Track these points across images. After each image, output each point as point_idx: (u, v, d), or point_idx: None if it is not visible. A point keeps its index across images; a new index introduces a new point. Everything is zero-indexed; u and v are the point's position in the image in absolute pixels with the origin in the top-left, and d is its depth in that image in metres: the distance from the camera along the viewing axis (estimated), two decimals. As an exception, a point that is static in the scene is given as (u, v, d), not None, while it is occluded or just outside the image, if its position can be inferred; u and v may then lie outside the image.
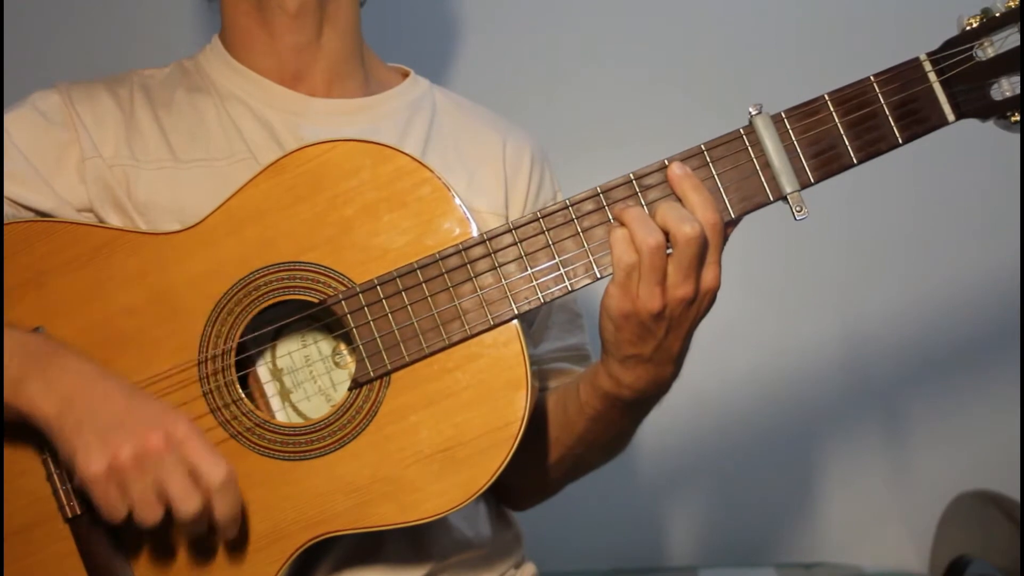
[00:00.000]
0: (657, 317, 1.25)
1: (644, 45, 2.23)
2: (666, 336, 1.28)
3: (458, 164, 1.52)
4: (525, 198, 1.57)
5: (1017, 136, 1.28)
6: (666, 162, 1.26)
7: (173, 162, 1.44)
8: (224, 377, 1.31)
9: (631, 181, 1.27)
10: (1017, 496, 2.01)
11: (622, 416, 1.40)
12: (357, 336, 1.29)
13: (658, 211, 1.23)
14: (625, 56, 2.23)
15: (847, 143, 1.26)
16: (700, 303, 1.27)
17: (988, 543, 2.04)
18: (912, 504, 2.23)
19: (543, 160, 1.61)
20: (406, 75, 1.59)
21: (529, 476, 1.51)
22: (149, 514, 1.22)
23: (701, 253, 1.23)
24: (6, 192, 1.39)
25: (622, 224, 1.25)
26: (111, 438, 1.21)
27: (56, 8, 2.21)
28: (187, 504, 1.22)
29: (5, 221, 1.37)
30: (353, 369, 1.32)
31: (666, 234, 1.23)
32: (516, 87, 2.20)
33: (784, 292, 2.23)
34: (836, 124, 1.26)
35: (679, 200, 1.25)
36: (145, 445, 1.20)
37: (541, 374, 1.55)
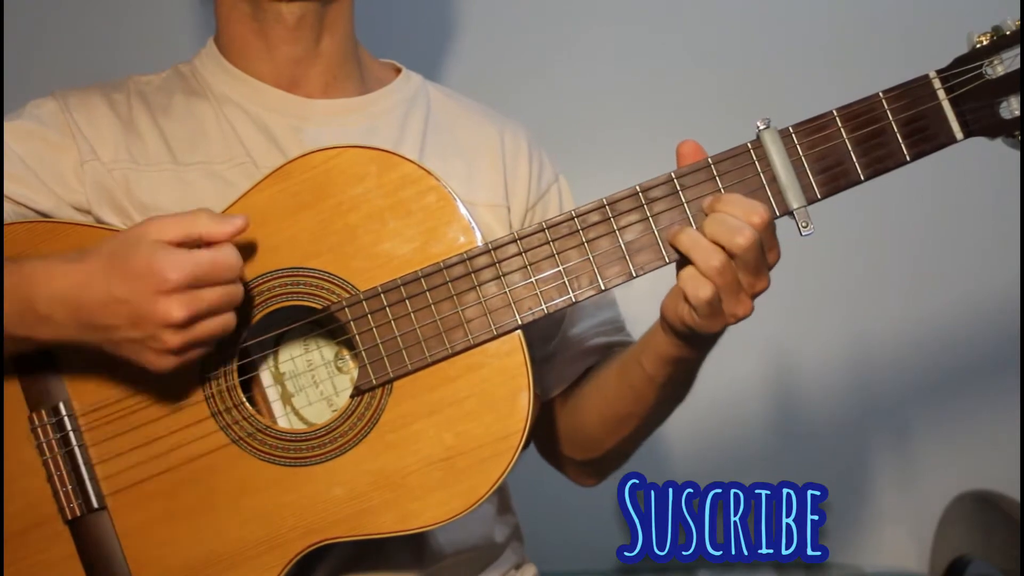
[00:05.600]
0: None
1: (642, 43, 2.22)
2: None
3: (456, 157, 1.52)
4: (528, 185, 1.56)
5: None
6: (672, 175, 1.26)
7: (173, 164, 1.43)
8: (227, 381, 1.31)
9: (637, 194, 1.26)
10: (1017, 496, 2.01)
11: (694, 367, 1.41)
12: (360, 343, 1.29)
13: (706, 228, 1.23)
14: (621, 54, 2.23)
15: (855, 159, 1.25)
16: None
17: (988, 543, 2.03)
18: (912, 504, 2.24)
19: (539, 146, 1.61)
20: (398, 70, 1.59)
21: (607, 452, 1.53)
22: (221, 331, 1.24)
23: (762, 252, 1.24)
24: (7, 191, 1.39)
25: (675, 248, 1.25)
26: (146, 337, 1.21)
27: (52, 13, 2.20)
28: (233, 301, 1.24)
29: (8, 221, 1.37)
30: (355, 374, 1.32)
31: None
32: (509, 83, 2.20)
33: (787, 293, 2.22)
34: (844, 140, 1.25)
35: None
36: (172, 321, 1.20)
37: (584, 351, 1.56)
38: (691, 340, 1.32)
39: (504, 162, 1.55)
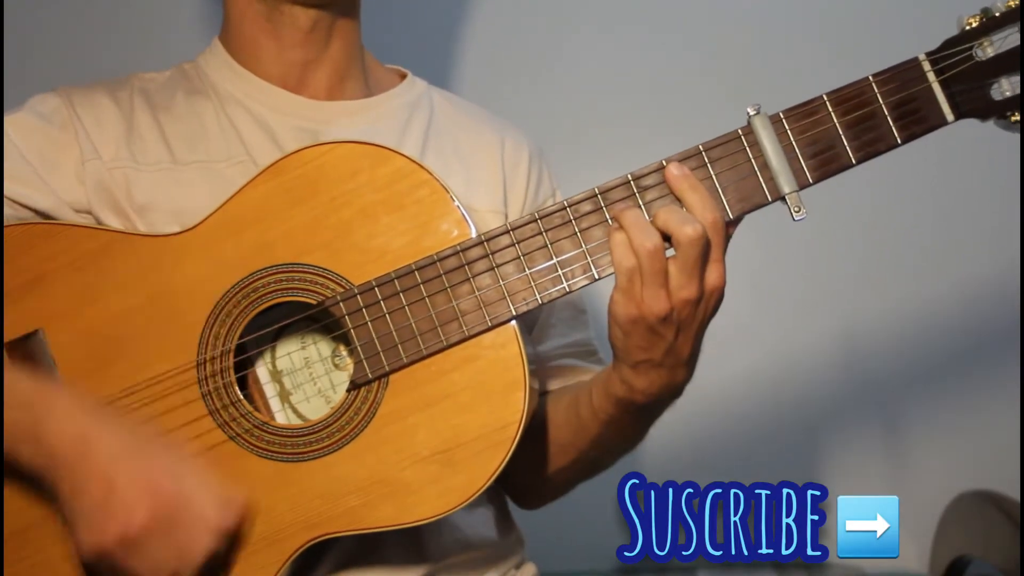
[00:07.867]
0: (664, 320, 1.24)
1: (641, 44, 2.23)
2: (676, 339, 1.27)
3: (457, 163, 1.52)
4: (524, 195, 1.57)
5: (1018, 137, 1.28)
6: (664, 163, 1.26)
7: (172, 164, 1.43)
8: (223, 378, 1.31)
9: (629, 182, 1.26)
10: (1017, 496, 2.00)
11: (636, 420, 1.40)
12: (355, 338, 1.29)
13: (659, 214, 1.23)
14: (622, 55, 2.23)
15: (845, 143, 1.25)
16: (707, 303, 1.26)
17: (988, 543, 2.03)
18: (912, 504, 2.22)
19: (540, 158, 1.61)
20: (403, 76, 1.59)
21: (543, 477, 1.52)
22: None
23: (704, 253, 1.23)
24: (6, 192, 1.39)
25: (620, 227, 1.24)
26: (98, 520, 1.21)
27: (55, 11, 2.21)
28: (187, 570, 1.23)
29: (5, 222, 1.37)
30: (352, 371, 1.32)
31: (667, 237, 1.23)
32: (513, 86, 2.22)
33: (785, 292, 2.23)
34: (834, 124, 1.25)
35: (677, 200, 1.25)
36: (128, 528, 1.20)
37: (548, 371, 1.55)
38: (635, 368, 1.30)
39: (503, 169, 1.56)
